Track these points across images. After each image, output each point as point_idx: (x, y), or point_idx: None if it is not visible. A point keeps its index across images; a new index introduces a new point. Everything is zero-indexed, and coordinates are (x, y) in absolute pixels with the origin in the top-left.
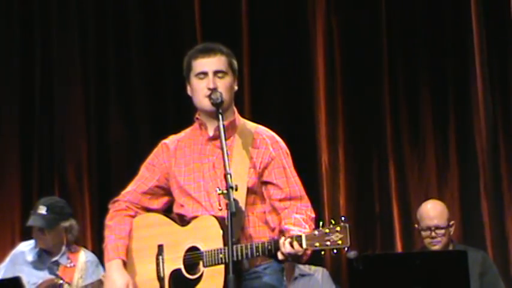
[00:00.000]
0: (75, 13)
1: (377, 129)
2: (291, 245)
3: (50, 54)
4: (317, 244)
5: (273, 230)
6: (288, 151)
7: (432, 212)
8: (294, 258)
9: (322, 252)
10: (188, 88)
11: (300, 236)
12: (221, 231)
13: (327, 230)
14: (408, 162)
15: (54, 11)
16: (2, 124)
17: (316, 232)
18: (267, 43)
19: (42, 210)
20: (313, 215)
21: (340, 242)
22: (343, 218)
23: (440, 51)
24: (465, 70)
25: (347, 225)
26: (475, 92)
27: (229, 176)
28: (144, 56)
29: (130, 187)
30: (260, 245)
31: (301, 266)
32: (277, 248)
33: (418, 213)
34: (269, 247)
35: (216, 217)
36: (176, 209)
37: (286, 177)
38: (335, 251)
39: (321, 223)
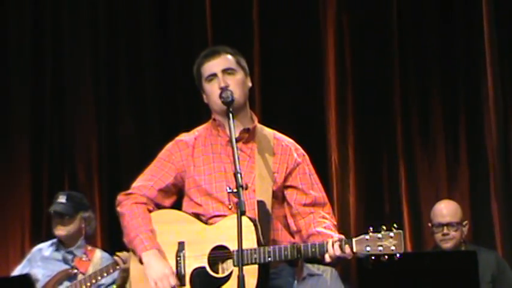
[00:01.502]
0: (87, 13)
1: (387, 129)
2: (341, 248)
3: (61, 53)
4: (368, 249)
5: (292, 233)
6: (308, 158)
7: (445, 209)
8: (338, 262)
9: (373, 257)
10: (204, 96)
11: (351, 240)
12: (255, 232)
13: (380, 236)
14: (418, 163)
15: (66, 10)
16: (13, 123)
17: (367, 236)
18: (278, 42)
19: (62, 199)
20: (335, 222)
21: (394, 247)
22: (395, 225)
23: (451, 52)
24: (476, 70)
25: (401, 231)
26: (485, 92)
27: (239, 175)
28: (154, 55)
29: (145, 182)
30: (303, 248)
31: (309, 266)
32: (322, 251)
33: (431, 211)
34: (313, 249)
35: (249, 217)
36: (190, 208)
37: (311, 183)
38: (386, 257)
39: (371, 228)
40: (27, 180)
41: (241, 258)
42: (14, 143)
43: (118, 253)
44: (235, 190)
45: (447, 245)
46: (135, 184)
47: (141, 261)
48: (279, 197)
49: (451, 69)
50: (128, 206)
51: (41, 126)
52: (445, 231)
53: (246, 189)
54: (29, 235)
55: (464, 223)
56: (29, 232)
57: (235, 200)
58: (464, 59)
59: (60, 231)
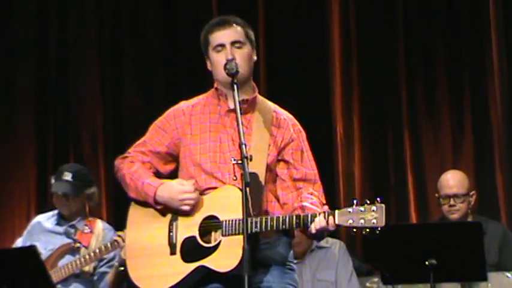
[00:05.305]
0: None
1: (392, 100)
2: (325, 220)
3: (65, 23)
4: (350, 221)
5: (282, 205)
6: (305, 135)
7: (452, 180)
8: (322, 235)
9: (354, 230)
10: (208, 63)
11: (334, 212)
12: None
13: (362, 209)
14: (423, 134)
15: None
16: (17, 94)
17: (350, 209)
18: (282, 12)
19: (68, 176)
20: (325, 201)
21: (375, 221)
22: (378, 199)
23: (456, 22)
24: (481, 40)
25: (383, 205)
26: (490, 64)
27: (244, 146)
28: (159, 26)
29: (139, 148)
30: (288, 218)
31: None
32: (306, 222)
33: (438, 182)
34: (297, 221)
35: (240, 188)
36: (184, 178)
37: (302, 159)
38: (367, 230)
39: (354, 201)
40: (33, 152)
41: (245, 230)
42: (19, 115)
43: (119, 232)
44: (240, 161)
45: (454, 216)
46: (130, 149)
47: (157, 203)
48: (273, 170)
49: (456, 40)
50: (125, 166)
51: (46, 98)
52: (452, 202)
53: (251, 160)
54: (35, 207)
55: (471, 193)
56: (35, 204)
57: (232, 171)
58: (470, 29)
59: (64, 210)
